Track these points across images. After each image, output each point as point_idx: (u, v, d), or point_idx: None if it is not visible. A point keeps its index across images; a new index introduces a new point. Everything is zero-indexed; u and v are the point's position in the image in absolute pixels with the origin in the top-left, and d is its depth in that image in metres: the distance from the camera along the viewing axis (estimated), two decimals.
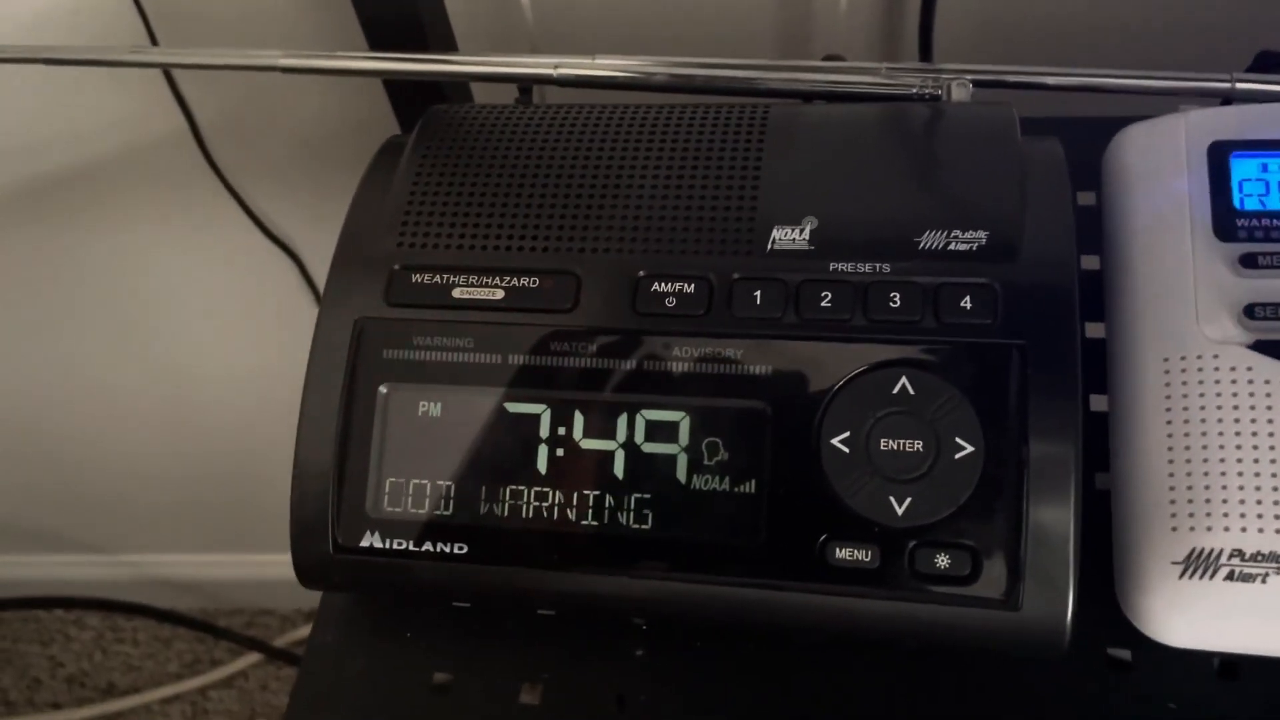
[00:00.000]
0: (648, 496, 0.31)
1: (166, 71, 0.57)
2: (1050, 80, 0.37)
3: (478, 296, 0.33)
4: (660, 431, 0.31)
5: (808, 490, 0.30)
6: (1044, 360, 0.30)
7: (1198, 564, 0.29)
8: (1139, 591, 0.30)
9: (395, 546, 0.32)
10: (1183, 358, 0.31)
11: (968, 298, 0.30)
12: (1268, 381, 0.30)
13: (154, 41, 0.54)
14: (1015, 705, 0.32)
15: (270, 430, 0.86)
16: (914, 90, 0.37)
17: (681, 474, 0.31)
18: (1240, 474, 0.29)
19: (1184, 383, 0.31)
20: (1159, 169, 0.34)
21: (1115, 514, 0.31)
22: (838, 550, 0.30)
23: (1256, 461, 0.29)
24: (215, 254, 0.72)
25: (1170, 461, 0.30)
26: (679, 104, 0.37)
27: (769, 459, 0.30)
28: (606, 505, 0.31)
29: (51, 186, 0.67)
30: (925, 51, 0.46)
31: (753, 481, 0.31)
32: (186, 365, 0.85)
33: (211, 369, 0.84)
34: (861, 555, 0.30)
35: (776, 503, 0.30)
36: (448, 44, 0.46)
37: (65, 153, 0.64)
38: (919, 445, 0.30)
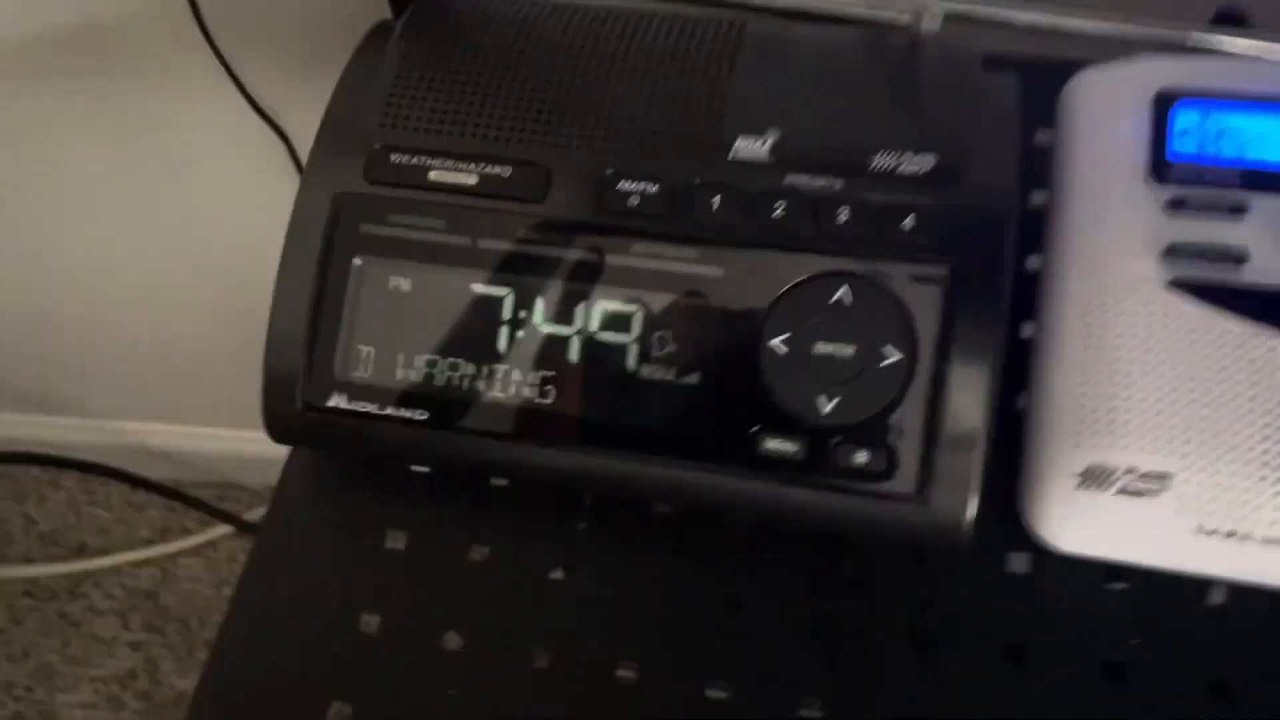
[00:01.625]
0: (598, 380, 0.33)
1: None
2: (1018, 18, 0.39)
3: (453, 180, 0.35)
4: (614, 322, 0.33)
5: (745, 385, 0.32)
6: (973, 281, 0.32)
7: (1095, 478, 0.32)
8: (1039, 501, 0.33)
9: (359, 408, 0.34)
10: (1104, 291, 0.33)
11: (910, 218, 0.32)
12: (1180, 318, 0.32)
13: None
14: (922, 599, 0.35)
15: (248, 306, 0.87)
16: (886, 16, 0.38)
17: (631, 362, 0.33)
18: (1143, 399, 0.32)
19: (1103, 313, 0.33)
20: (1106, 112, 0.36)
21: (1026, 431, 0.34)
22: (767, 441, 0.32)
23: (1160, 389, 0.32)
24: (206, 128, 0.73)
25: (1082, 384, 0.33)
26: (663, 11, 0.38)
27: (712, 354, 0.33)
28: (559, 386, 0.34)
29: (47, 46, 0.67)
30: None
31: (696, 374, 0.33)
32: (170, 237, 0.86)
33: (194, 243, 0.85)
34: (789, 447, 0.32)
35: (715, 394, 0.33)
36: None
37: (64, 12, 0.64)
38: (850, 351, 0.32)
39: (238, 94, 0.67)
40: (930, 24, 0.38)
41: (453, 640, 0.35)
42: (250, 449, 1.12)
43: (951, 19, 0.38)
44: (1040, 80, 0.38)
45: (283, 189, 0.77)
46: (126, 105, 0.72)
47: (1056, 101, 0.38)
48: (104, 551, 1.19)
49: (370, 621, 0.35)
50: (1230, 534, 0.31)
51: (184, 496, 1.17)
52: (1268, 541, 0.30)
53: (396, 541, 0.37)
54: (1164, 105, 0.35)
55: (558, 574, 0.36)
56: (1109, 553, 0.32)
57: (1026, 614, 0.34)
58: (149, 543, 1.20)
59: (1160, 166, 0.34)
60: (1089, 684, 0.33)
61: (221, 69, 0.65)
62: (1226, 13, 0.40)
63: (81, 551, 1.19)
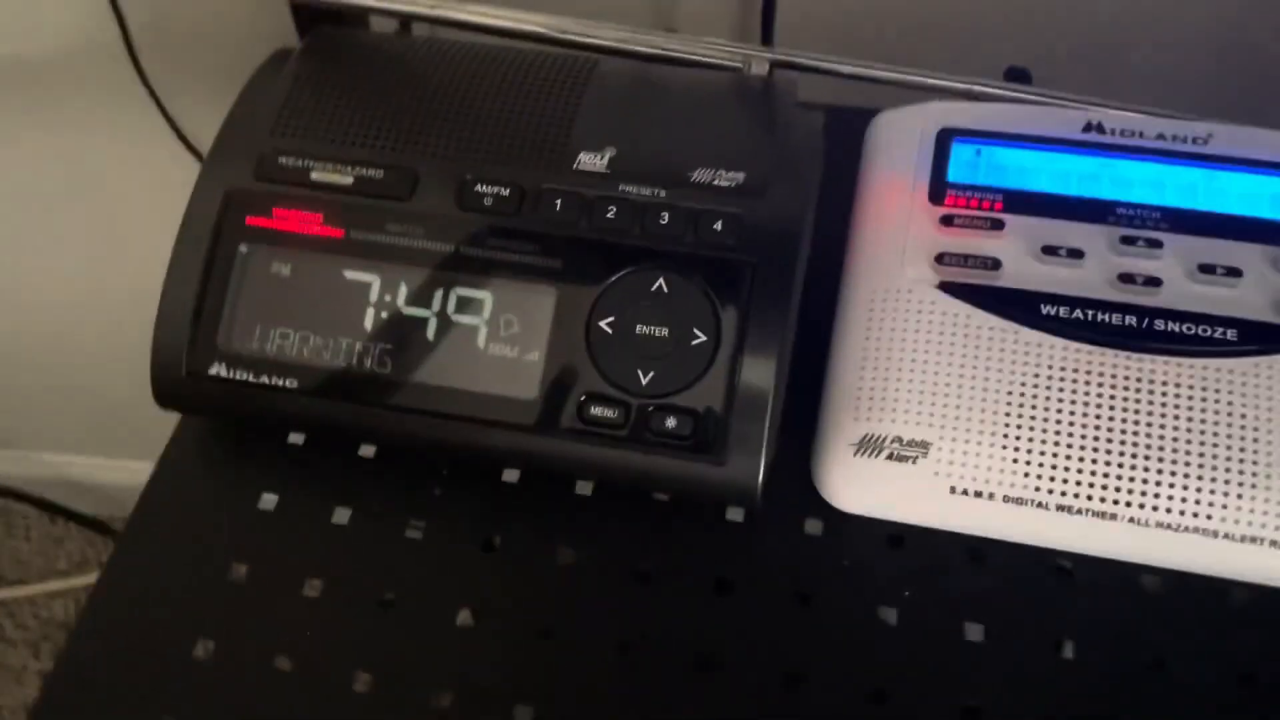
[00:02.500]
0: (451, 356, 0.38)
1: None
2: (836, 68, 0.45)
3: (332, 180, 0.40)
4: (467, 305, 0.38)
5: (576, 360, 0.38)
6: (769, 277, 0.37)
7: (868, 446, 0.37)
8: (825, 467, 0.38)
9: (237, 377, 0.39)
10: (886, 290, 0.39)
11: (720, 222, 0.38)
12: (944, 313, 0.38)
13: None
14: (726, 556, 0.39)
15: None
16: (723, 62, 0.45)
17: (481, 341, 0.38)
18: (911, 380, 0.37)
19: (884, 309, 0.39)
20: (898, 145, 0.42)
21: (820, 410, 0.39)
22: (593, 408, 0.37)
23: (925, 372, 0.37)
24: (137, 162, 0.77)
25: (862, 367, 0.38)
26: (528, 49, 0.44)
27: (550, 334, 0.38)
28: (417, 360, 0.38)
29: None
30: (766, 37, 0.54)
31: (535, 351, 0.38)
32: (96, 267, 0.89)
33: (119, 273, 0.88)
34: (611, 413, 0.37)
35: (552, 369, 0.38)
36: None
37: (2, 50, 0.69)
38: (665, 332, 0.37)
39: (169, 130, 0.72)
40: (758, 69, 0.44)
41: (312, 589, 0.39)
42: None
43: (779, 65, 0.45)
44: (859, 124, 0.45)
45: None
46: (56, 137, 0.76)
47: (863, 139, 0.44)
48: (20, 582, 1.19)
49: (239, 570, 0.39)
50: (978, 494, 0.36)
51: (103, 528, 1.18)
52: (1008, 500, 0.36)
53: (268, 504, 0.41)
54: (945, 140, 0.41)
55: (415, 534, 0.40)
56: (881, 512, 0.38)
57: (818, 567, 0.39)
58: (65, 574, 1.21)
59: (938, 190, 0.40)
60: (867, 628, 0.37)
61: (152, 103, 0.70)
62: (1015, 70, 0.47)
63: None
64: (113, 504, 1.20)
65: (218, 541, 0.40)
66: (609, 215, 0.39)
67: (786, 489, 0.39)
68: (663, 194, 0.39)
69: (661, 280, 0.38)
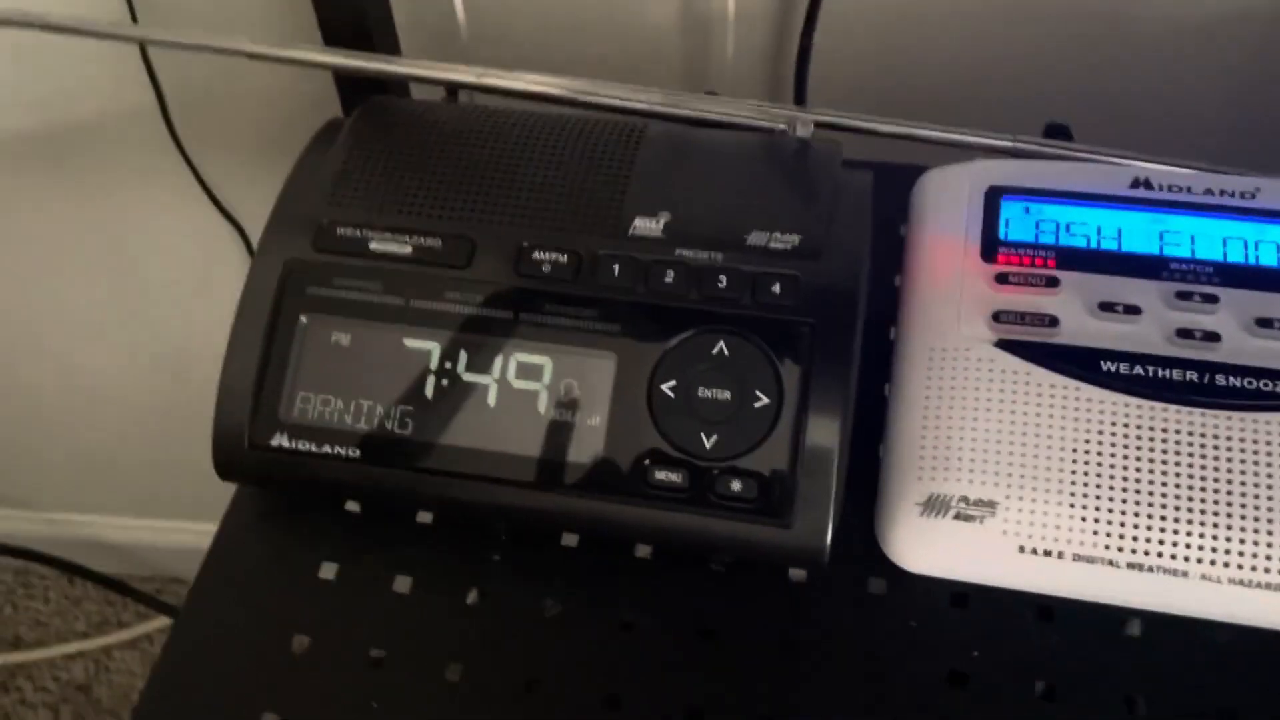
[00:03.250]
0: (513, 422, 0.38)
1: (141, 47, 0.63)
2: (877, 128, 0.46)
3: (390, 249, 0.40)
4: (528, 371, 0.39)
5: (638, 424, 0.38)
6: (828, 337, 0.38)
7: (934, 506, 0.37)
8: (890, 526, 0.38)
9: (300, 447, 0.39)
10: (944, 349, 0.39)
11: (778, 284, 0.38)
12: (1004, 371, 0.38)
13: (133, 18, 0.61)
14: (791, 619, 0.39)
15: (194, 398, 0.91)
16: (767, 124, 0.45)
17: (542, 406, 0.38)
18: (974, 439, 0.37)
19: (942, 367, 0.39)
20: (947, 204, 0.42)
21: (881, 470, 0.39)
22: (657, 473, 0.37)
23: (987, 430, 0.37)
24: (167, 227, 0.78)
25: (924, 426, 0.38)
26: (577, 115, 0.44)
27: (611, 398, 0.38)
28: (479, 426, 0.38)
29: (20, 144, 0.73)
30: (800, 96, 0.55)
31: (597, 415, 0.38)
32: (123, 332, 0.90)
33: (145, 338, 0.89)
34: (675, 477, 0.37)
35: (614, 433, 0.38)
36: (393, 48, 0.53)
37: (39, 114, 0.70)
38: (728, 395, 0.37)
39: (204, 196, 0.73)
40: (803, 131, 0.44)
41: (374, 658, 0.39)
42: (192, 542, 1.13)
43: (822, 126, 0.45)
44: (899, 180, 0.45)
45: (237, 285, 0.82)
46: (89, 203, 0.77)
47: (909, 197, 0.44)
48: (39, 644, 1.18)
49: (301, 641, 0.39)
50: (1047, 553, 0.36)
51: (122, 588, 1.18)
52: (1078, 559, 0.36)
53: (328, 572, 0.41)
54: (993, 198, 0.42)
55: (473, 599, 0.40)
56: (948, 571, 0.37)
57: (884, 630, 0.39)
58: (84, 635, 1.20)
59: (990, 247, 0.41)
60: (937, 691, 0.37)
61: (186, 166, 0.70)
62: (1054, 126, 0.47)
63: (16, 644, 1.19)
64: (131, 563, 1.20)
65: (278, 613, 0.40)
66: (667, 279, 0.39)
67: (848, 549, 0.39)
68: (719, 257, 0.39)
69: (722, 343, 0.38)
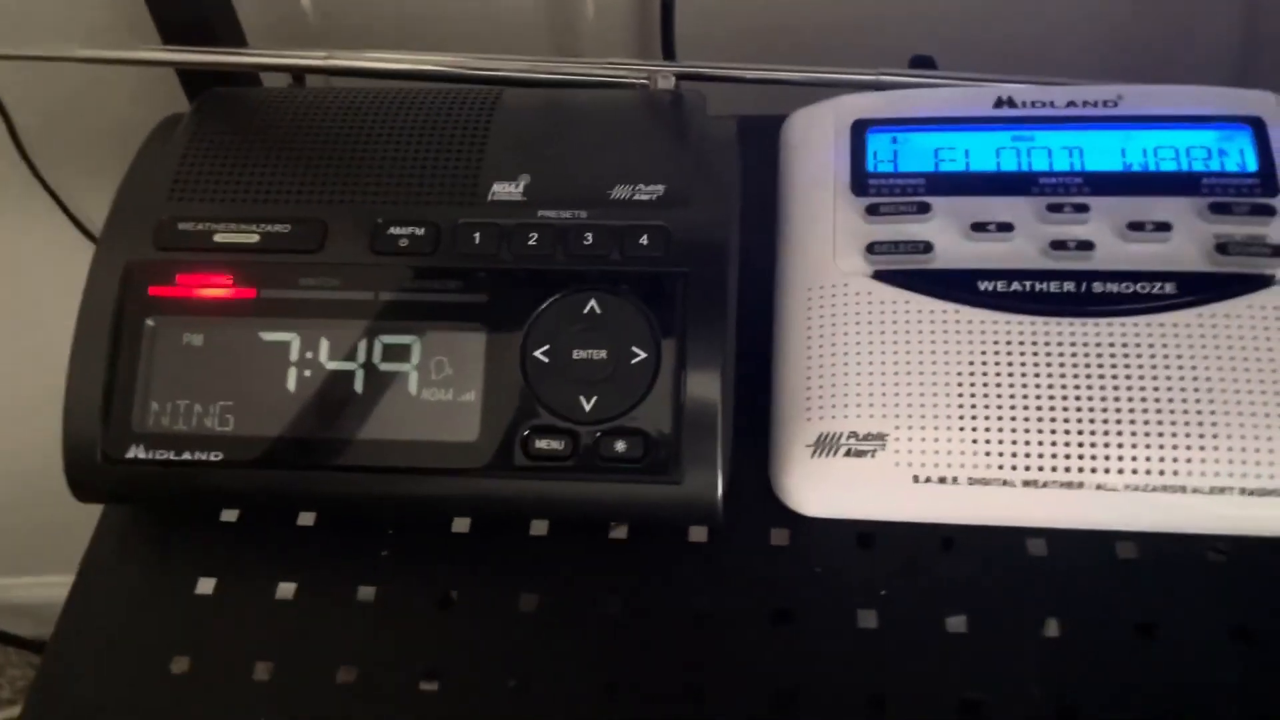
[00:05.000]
0: (384, 407, 0.36)
1: None
2: (742, 74, 0.45)
3: (236, 240, 0.38)
4: (395, 353, 0.37)
5: (515, 395, 0.36)
6: (702, 286, 0.36)
7: (824, 445, 0.36)
8: (783, 472, 0.37)
9: (157, 457, 0.36)
10: (822, 286, 0.38)
11: (645, 236, 0.37)
12: (883, 302, 0.37)
13: None
14: (695, 581, 0.38)
15: None
16: (628, 80, 0.44)
17: (413, 388, 0.36)
18: (859, 373, 0.36)
19: (821, 305, 0.38)
20: (814, 142, 0.41)
21: (771, 415, 0.38)
22: (539, 442, 0.36)
23: (871, 363, 0.36)
24: (27, 251, 0.74)
25: (808, 366, 0.37)
26: (427, 88, 0.43)
27: (484, 371, 0.36)
28: (348, 416, 0.36)
29: None
30: (668, 51, 0.54)
31: (471, 391, 0.36)
32: (11, 377, 0.86)
33: (29, 374, 0.85)
34: (558, 445, 0.35)
35: (490, 408, 0.36)
36: (237, 40, 0.51)
37: None
38: (604, 354, 0.36)
39: (66, 219, 0.69)
40: (664, 83, 0.43)
41: (262, 671, 0.37)
42: None
43: (684, 78, 0.44)
44: (775, 130, 0.44)
45: None
46: None
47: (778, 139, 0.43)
48: None
49: (181, 663, 0.37)
50: (941, 480, 0.35)
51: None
52: (973, 482, 0.35)
53: (205, 587, 0.38)
54: (859, 131, 0.41)
55: (366, 600, 0.38)
56: (846, 511, 0.36)
57: (790, 575, 0.37)
58: (10, 702, 1.14)
59: (859, 181, 0.40)
60: (849, 634, 0.36)
61: (45, 192, 0.67)
62: (919, 59, 0.47)
63: None
64: (53, 624, 1.14)
65: (156, 636, 0.37)
66: (530, 242, 0.37)
67: (746, 501, 0.38)
68: (583, 214, 0.38)
69: (593, 301, 0.36)
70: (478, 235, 0.38)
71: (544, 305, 0.37)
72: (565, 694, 0.35)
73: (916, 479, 0.35)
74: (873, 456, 0.35)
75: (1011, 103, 0.41)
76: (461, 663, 0.36)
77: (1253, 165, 0.38)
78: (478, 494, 0.36)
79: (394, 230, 0.38)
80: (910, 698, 0.34)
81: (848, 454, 0.36)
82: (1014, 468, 0.35)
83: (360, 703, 0.36)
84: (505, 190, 0.38)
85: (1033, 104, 0.40)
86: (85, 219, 0.69)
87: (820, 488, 0.36)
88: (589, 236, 0.37)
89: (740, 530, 0.38)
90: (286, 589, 0.38)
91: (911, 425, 0.35)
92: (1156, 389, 0.35)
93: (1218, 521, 0.34)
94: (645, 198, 0.38)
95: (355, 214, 0.38)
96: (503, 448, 0.36)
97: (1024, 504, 0.35)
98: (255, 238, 0.38)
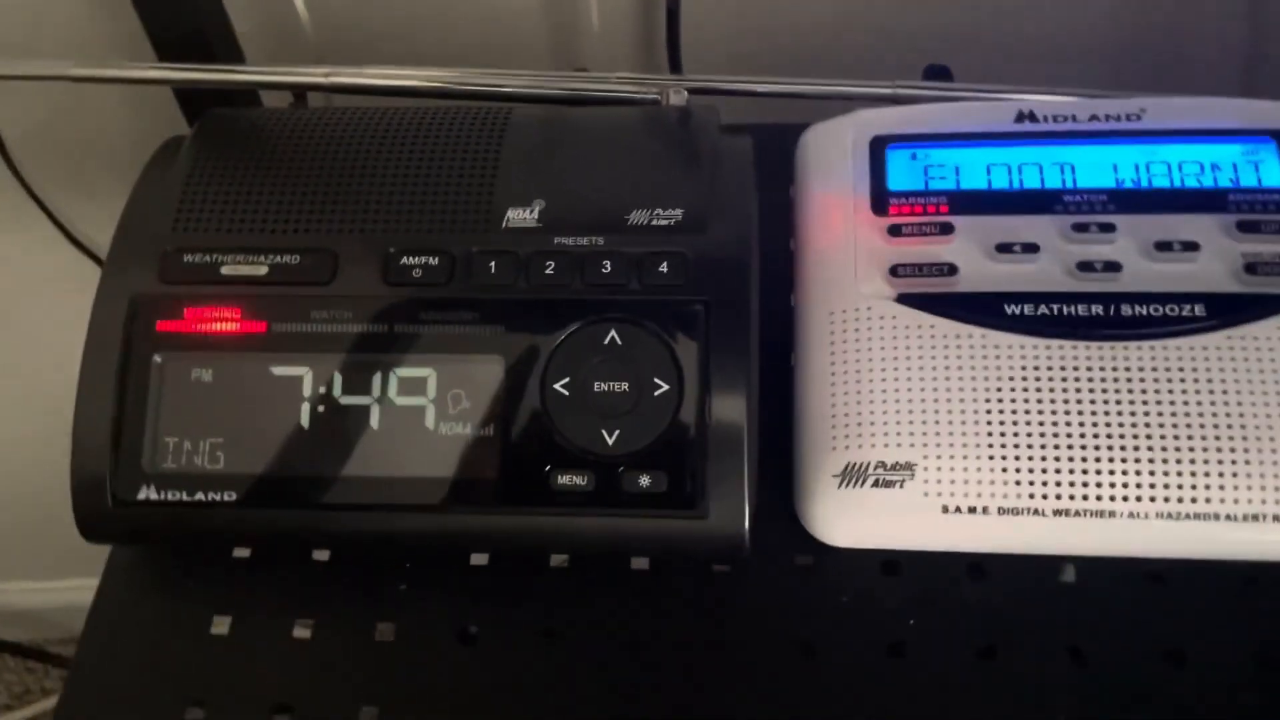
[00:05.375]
0: (401, 443, 0.36)
1: None
2: (754, 88, 0.44)
3: (244, 272, 0.37)
4: (411, 386, 0.36)
5: (535, 429, 0.35)
6: (723, 314, 0.36)
7: (851, 475, 0.35)
8: (809, 502, 0.36)
9: (169, 498, 0.36)
10: (844, 310, 0.38)
11: (664, 264, 0.36)
12: (907, 327, 0.37)
13: None
14: (718, 613, 0.37)
15: None
16: (638, 95, 0.43)
17: (430, 422, 0.36)
18: (884, 401, 0.36)
19: (844, 330, 0.37)
20: (832, 159, 0.41)
21: (794, 444, 0.37)
22: (559, 477, 0.35)
23: (897, 390, 0.36)
24: (26, 267, 0.73)
25: (832, 394, 0.37)
26: (434, 107, 0.42)
27: (503, 405, 0.35)
28: (364, 452, 0.36)
29: None
30: (674, 64, 0.53)
31: (490, 425, 0.36)
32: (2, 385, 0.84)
33: (23, 385, 0.83)
34: (580, 480, 0.35)
35: (509, 441, 0.35)
36: (235, 56, 0.50)
37: None
38: (625, 386, 0.35)
39: (62, 237, 0.68)
40: (676, 99, 0.42)
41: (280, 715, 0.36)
42: None
43: (696, 92, 0.43)
44: (789, 140, 0.43)
45: None
46: None
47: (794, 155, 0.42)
48: None
49: (196, 708, 0.36)
50: (971, 510, 0.34)
51: (41, 655, 1.11)
52: (1003, 512, 0.34)
53: (221, 627, 0.38)
54: (878, 148, 0.40)
55: (385, 637, 0.38)
56: (874, 541, 0.36)
57: (815, 604, 0.37)
58: (7, 708, 1.14)
59: (880, 200, 0.39)
60: (876, 664, 0.36)
61: (35, 204, 0.66)
62: (934, 68, 0.46)
63: None
64: (48, 627, 1.14)
65: (170, 676, 0.37)
66: (547, 271, 0.36)
67: (770, 531, 0.37)
68: (600, 242, 0.37)
69: (614, 332, 0.36)
70: (493, 264, 0.37)
71: (562, 336, 0.36)
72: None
73: (946, 509, 0.35)
74: (901, 487, 0.35)
75: (1033, 117, 0.40)
76: (483, 699, 0.36)
77: (1278, 180, 0.37)
78: (498, 530, 0.35)
79: (407, 260, 0.37)
80: None
81: (875, 484, 0.35)
82: (1045, 496, 0.34)
83: None
84: (520, 216, 0.38)
85: (1055, 118, 0.40)
86: (75, 229, 0.68)
87: (847, 518, 0.36)
88: (607, 265, 0.36)
89: (764, 559, 0.37)
90: (304, 628, 0.38)
91: (940, 455, 0.35)
92: (1189, 414, 0.34)
93: (1251, 548, 0.34)
94: (663, 222, 0.37)
95: (366, 243, 0.37)
96: (524, 483, 0.35)
97: (1055, 533, 0.34)
98: (264, 269, 0.37)
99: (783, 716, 0.35)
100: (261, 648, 0.37)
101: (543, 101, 0.44)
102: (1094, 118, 0.40)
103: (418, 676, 0.36)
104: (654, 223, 0.37)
